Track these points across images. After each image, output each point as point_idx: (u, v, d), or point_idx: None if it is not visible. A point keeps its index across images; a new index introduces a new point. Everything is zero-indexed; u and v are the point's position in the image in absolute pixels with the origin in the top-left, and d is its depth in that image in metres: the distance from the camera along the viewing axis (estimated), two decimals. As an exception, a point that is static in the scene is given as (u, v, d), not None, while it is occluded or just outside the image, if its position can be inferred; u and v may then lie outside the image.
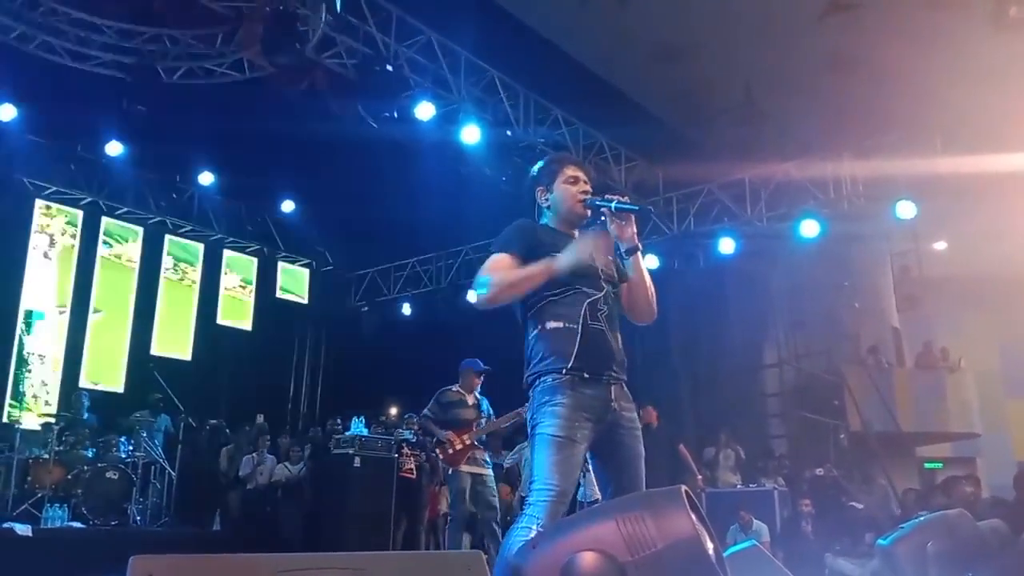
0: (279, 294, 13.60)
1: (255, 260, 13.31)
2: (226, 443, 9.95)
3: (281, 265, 13.66)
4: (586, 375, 2.72)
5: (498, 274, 2.78)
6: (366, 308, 13.80)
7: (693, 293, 10.94)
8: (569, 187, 2.96)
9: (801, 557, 7.82)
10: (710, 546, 1.62)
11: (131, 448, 8.55)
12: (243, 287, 13.14)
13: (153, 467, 8.79)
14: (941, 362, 13.46)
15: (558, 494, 2.60)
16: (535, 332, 2.83)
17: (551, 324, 2.79)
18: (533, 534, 2.48)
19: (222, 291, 12.85)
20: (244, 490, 9.31)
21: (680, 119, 10.80)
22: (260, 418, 10.58)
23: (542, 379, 2.77)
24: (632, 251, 2.90)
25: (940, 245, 13.92)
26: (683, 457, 9.04)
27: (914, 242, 13.00)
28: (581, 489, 8.80)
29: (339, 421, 9.27)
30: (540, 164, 3.12)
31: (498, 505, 6.41)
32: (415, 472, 9.02)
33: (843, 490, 10.14)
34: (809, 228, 9.78)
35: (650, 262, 10.80)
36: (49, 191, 10.98)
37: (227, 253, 12.95)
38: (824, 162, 9.68)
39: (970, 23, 8.30)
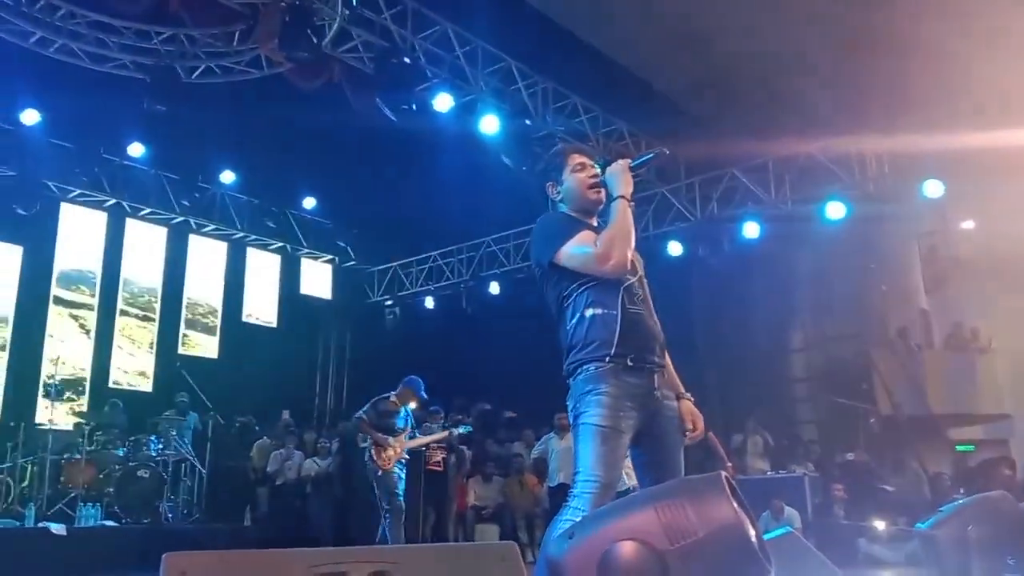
0: (303, 290, 13.67)
1: (278, 257, 13.38)
2: (257, 439, 10.02)
3: (304, 262, 13.72)
4: (629, 362, 2.67)
5: (602, 237, 2.73)
6: (389, 302, 13.84)
7: (718, 279, 10.84)
8: (578, 175, 2.93)
9: (834, 542, 7.73)
10: (752, 532, 1.58)
11: (161, 447, 8.64)
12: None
13: (183, 465, 8.87)
14: (971, 343, 13.23)
15: (603, 486, 2.56)
16: (574, 320, 2.77)
17: (589, 311, 2.74)
18: None
19: (247, 291, 12.95)
20: (273, 485, 9.38)
21: (701, 104, 10.67)
22: (286, 414, 10.64)
23: (584, 367, 2.71)
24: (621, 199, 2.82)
25: (968, 224, 13.65)
26: (712, 444, 8.96)
27: (941, 222, 12.78)
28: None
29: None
30: (544, 160, 3.10)
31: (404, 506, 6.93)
32: (442, 465, 9.04)
33: (875, 474, 10.04)
34: (834, 210, 9.66)
35: (674, 248, 10.73)
36: (74, 194, 11.09)
37: (250, 251, 13.03)
38: (849, 143, 9.54)
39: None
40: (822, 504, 9.13)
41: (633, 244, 2.74)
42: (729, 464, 9.04)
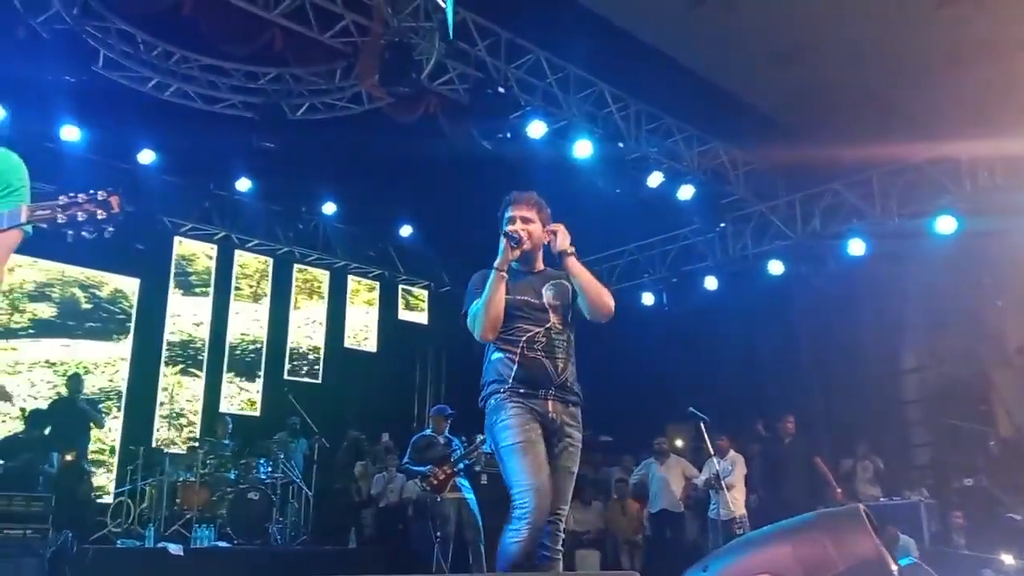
0: (401, 316, 13.95)
1: (377, 284, 13.73)
2: (362, 457, 10.24)
3: (401, 288, 14.02)
4: (522, 390, 3.12)
5: (476, 306, 3.22)
6: (484, 325, 13.94)
7: (822, 298, 10.52)
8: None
9: (955, 574, 7.35)
10: (895, 568, 1.53)
11: (270, 469, 8.92)
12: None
13: (291, 487, 9.13)
14: (1097, 358, 12.42)
15: (537, 488, 2.89)
16: (486, 362, 3.29)
17: (495, 355, 3.24)
18: (524, 532, 2.84)
19: (348, 317, 13.32)
20: (377, 508, 9.54)
21: (799, 119, 10.43)
22: (386, 437, 10.83)
23: (488, 401, 3.19)
24: (563, 256, 3.31)
25: (1090, 233, 12.87)
26: (820, 471, 8.69)
27: (1060, 231, 12.07)
28: (715, 508, 8.71)
29: (464, 438, 9.39)
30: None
31: (481, 528, 7.11)
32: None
33: (997, 501, 9.49)
34: (945, 224, 9.27)
35: (775, 267, 10.49)
36: (186, 228, 11.66)
37: (351, 278, 13.42)
38: (958, 153, 9.16)
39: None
40: (940, 532, 8.69)
41: (494, 318, 3.15)
42: (838, 490, 8.74)
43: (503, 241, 3.24)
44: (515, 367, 3.15)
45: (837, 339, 10.92)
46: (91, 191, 2.00)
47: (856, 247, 9.93)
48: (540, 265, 3.44)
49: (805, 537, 1.52)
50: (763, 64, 9.68)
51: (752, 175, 10.47)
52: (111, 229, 1.99)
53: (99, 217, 1.96)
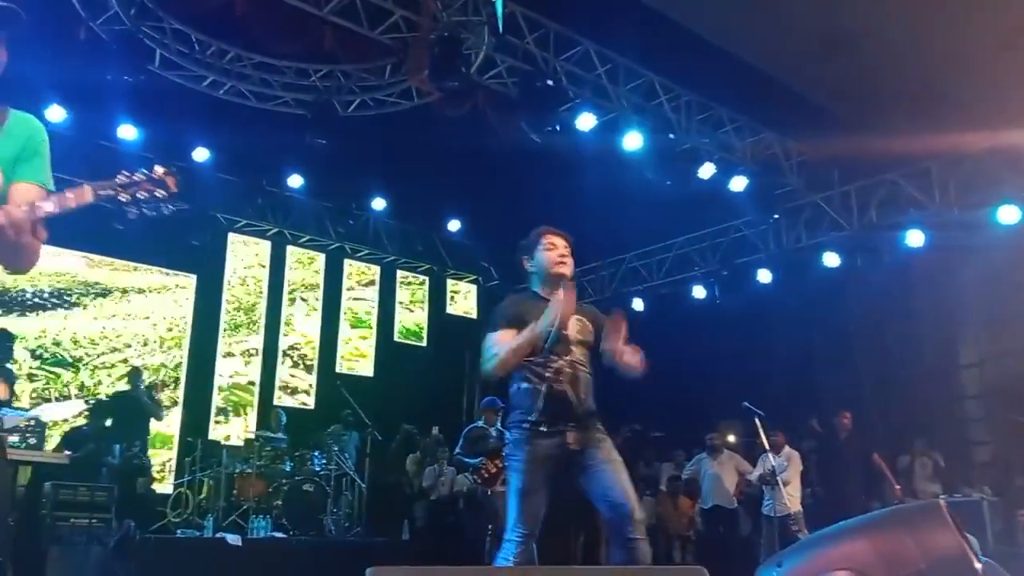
0: (449, 310, 14.02)
1: (426, 279, 13.82)
2: (414, 450, 10.32)
3: (450, 282, 14.09)
4: (543, 428, 3.27)
5: (499, 346, 3.34)
6: (532, 319, 13.95)
7: (878, 291, 10.29)
8: (548, 253, 3.57)
9: (1020, 574, 7.13)
10: (978, 565, 1.49)
11: (324, 462, 9.04)
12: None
13: (344, 479, 9.24)
14: None
15: (524, 536, 3.21)
16: (512, 388, 3.44)
17: (523, 384, 3.38)
18: (512, 559, 3.15)
19: (398, 311, 13.43)
20: (428, 500, 9.61)
21: (853, 108, 10.21)
22: (436, 430, 10.91)
23: (510, 432, 3.37)
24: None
25: None
26: (878, 467, 8.51)
27: None
28: (769, 504, 8.60)
29: (515, 432, 9.39)
30: (526, 239, 3.72)
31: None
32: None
33: (1065, 500, 9.20)
34: (1008, 214, 8.99)
35: (830, 259, 10.29)
36: (240, 224, 11.86)
37: (400, 273, 13.53)
38: (1019, 142, 8.87)
39: None
40: (1003, 531, 8.46)
41: (513, 366, 3.34)
42: (897, 487, 8.56)
43: (552, 308, 3.31)
44: (541, 400, 3.30)
45: (894, 332, 10.68)
46: (144, 169, 2.04)
47: (914, 238, 9.70)
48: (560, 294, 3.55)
49: (885, 533, 1.49)
50: (816, 52, 9.47)
51: (806, 165, 10.27)
52: (171, 207, 2.03)
53: (158, 196, 1.99)
